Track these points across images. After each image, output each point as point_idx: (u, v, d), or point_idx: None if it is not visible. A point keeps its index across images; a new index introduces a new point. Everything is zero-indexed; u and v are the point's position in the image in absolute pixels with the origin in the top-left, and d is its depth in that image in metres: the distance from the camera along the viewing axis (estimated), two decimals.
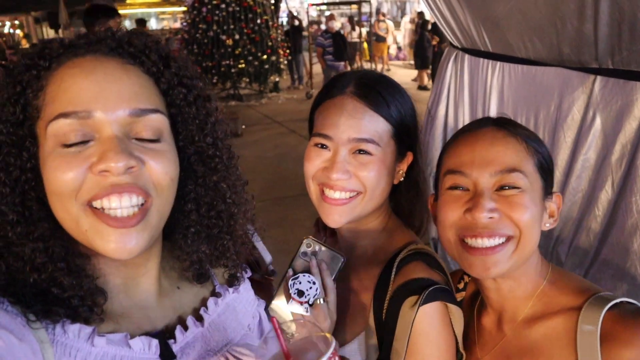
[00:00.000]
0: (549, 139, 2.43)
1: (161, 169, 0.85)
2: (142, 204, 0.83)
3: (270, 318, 1.02)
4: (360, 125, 1.20)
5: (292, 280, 1.20)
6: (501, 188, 1.08)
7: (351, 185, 1.22)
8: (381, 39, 17.27)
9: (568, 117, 2.31)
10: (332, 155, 1.22)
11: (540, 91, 2.45)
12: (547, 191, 1.14)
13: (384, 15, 19.49)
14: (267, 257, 1.39)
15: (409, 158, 1.32)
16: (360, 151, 1.21)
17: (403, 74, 15.70)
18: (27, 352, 0.75)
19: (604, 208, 2.16)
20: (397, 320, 1.14)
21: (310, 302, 1.18)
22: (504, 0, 2.37)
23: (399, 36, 20.61)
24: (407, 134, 1.27)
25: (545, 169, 1.13)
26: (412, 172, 1.33)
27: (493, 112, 2.78)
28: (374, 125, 1.21)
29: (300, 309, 1.17)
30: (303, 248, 1.27)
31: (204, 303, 1.03)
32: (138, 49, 0.89)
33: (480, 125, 1.17)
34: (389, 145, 1.24)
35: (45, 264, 0.81)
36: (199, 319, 1.00)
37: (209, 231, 1.00)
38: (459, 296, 1.35)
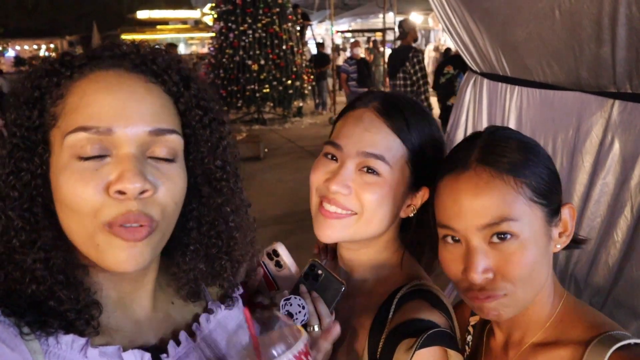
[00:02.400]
0: (567, 163, 2.41)
1: (170, 196, 0.86)
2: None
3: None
4: (373, 139, 1.14)
5: (284, 300, 1.17)
6: (496, 239, 1.01)
7: (348, 203, 1.15)
8: None
9: (586, 142, 2.29)
10: (338, 167, 1.17)
11: (559, 115, 2.43)
12: (553, 213, 1.06)
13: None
14: (296, 274, 1.34)
15: (424, 194, 1.22)
16: (368, 169, 1.14)
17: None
18: None
19: (623, 233, 2.12)
20: None
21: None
22: (522, 26, 2.38)
23: None
24: (425, 165, 1.19)
25: (545, 192, 1.03)
26: (425, 211, 1.21)
27: None
28: (387, 143, 1.15)
29: None
30: (306, 270, 1.24)
31: (196, 319, 1.03)
32: (161, 68, 0.90)
33: (462, 164, 1.05)
34: (402, 171, 1.17)
35: (45, 276, 0.81)
36: (191, 334, 0.99)
37: (208, 250, 1.00)
38: (473, 320, 1.32)
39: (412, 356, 1.03)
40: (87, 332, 0.83)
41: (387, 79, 11.59)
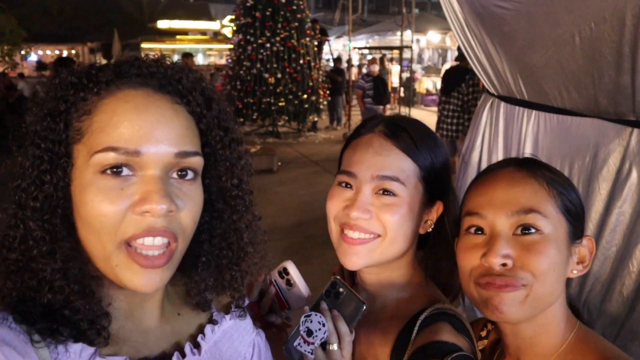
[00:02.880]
0: (583, 191, 2.39)
1: (191, 217, 0.88)
2: (167, 245, 0.85)
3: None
4: (385, 162, 1.16)
5: (304, 317, 1.17)
6: (520, 232, 1.03)
7: (371, 227, 1.17)
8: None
9: (603, 169, 2.27)
10: (354, 193, 1.18)
11: (576, 142, 2.42)
12: (576, 235, 1.08)
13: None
14: (306, 292, 1.35)
15: (439, 208, 1.25)
16: (385, 192, 1.16)
17: None
18: None
19: (639, 263, 2.09)
20: None
21: (316, 343, 1.13)
22: (541, 50, 2.38)
23: (438, 83, 20.70)
24: (437, 180, 1.22)
25: (573, 213, 1.07)
26: (442, 224, 1.25)
27: None
28: (400, 164, 1.17)
29: (307, 349, 1.14)
30: (327, 287, 1.23)
31: (200, 330, 1.04)
32: (186, 89, 0.91)
33: (501, 166, 1.14)
34: (417, 188, 1.19)
35: (63, 286, 0.82)
36: (196, 345, 1.00)
37: (219, 261, 1.01)
38: (481, 344, 1.31)
39: None
40: (97, 341, 0.84)
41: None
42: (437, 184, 1.23)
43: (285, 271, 1.35)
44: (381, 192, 1.17)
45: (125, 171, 0.82)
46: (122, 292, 0.91)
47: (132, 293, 0.90)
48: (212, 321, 1.07)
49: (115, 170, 0.81)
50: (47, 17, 32.31)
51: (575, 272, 1.10)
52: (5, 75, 20.14)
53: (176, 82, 0.90)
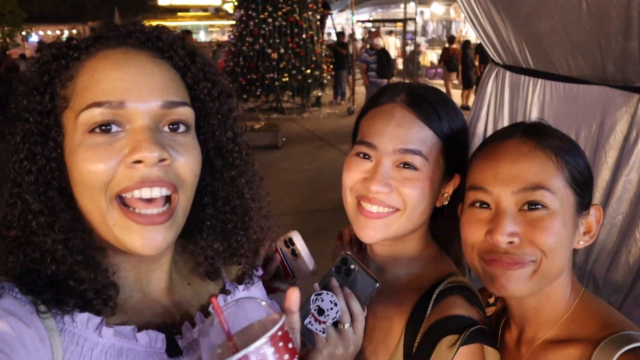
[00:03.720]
0: (590, 159, 2.35)
1: (188, 166, 0.87)
2: (168, 201, 0.84)
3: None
4: (408, 135, 1.12)
5: (315, 295, 1.13)
6: (527, 207, 1.01)
7: (391, 201, 1.14)
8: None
9: (610, 137, 2.25)
10: (374, 165, 1.15)
11: (582, 109, 2.39)
12: (583, 206, 1.06)
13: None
14: (311, 265, 1.34)
15: (456, 180, 1.22)
16: (406, 165, 1.13)
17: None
18: (35, 339, 0.76)
19: None
20: (431, 358, 1.07)
21: (328, 323, 1.10)
22: (547, 17, 2.34)
23: None
24: (456, 153, 1.19)
25: (580, 183, 1.04)
26: (457, 197, 1.22)
27: None
28: (422, 137, 1.13)
29: (318, 327, 1.10)
30: (337, 263, 1.18)
31: None
32: (166, 44, 0.91)
33: (508, 136, 1.09)
34: (437, 161, 1.16)
35: (65, 256, 0.82)
36: (207, 316, 0.99)
37: (224, 226, 1.00)
38: (489, 311, 1.30)
39: (455, 352, 1.04)
40: (103, 311, 0.84)
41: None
42: (456, 156, 1.20)
43: (290, 241, 1.35)
44: (402, 165, 1.14)
45: (114, 128, 0.81)
46: (128, 262, 0.91)
47: (138, 262, 0.90)
48: (224, 291, 1.06)
49: (103, 128, 0.81)
50: None
51: (582, 242, 1.08)
52: (8, 57, 20.07)
53: (155, 38, 0.91)
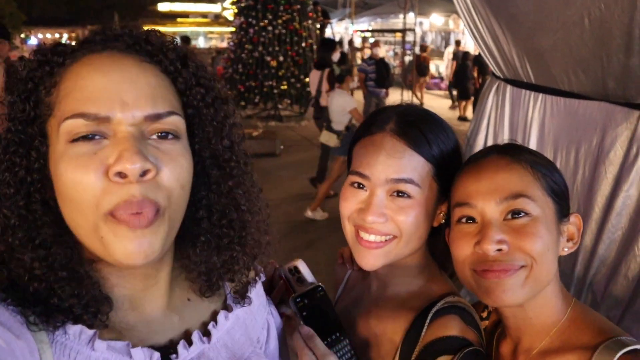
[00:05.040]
0: (589, 174, 2.38)
1: (174, 177, 0.81)
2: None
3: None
4: (399, 164, 1.14)
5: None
6: (511, 216, 1.05)
7: (386, 229, 1.16)
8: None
9: (610, 153, 2.26)
10: (368, 196, 1.17)
11: (583, 125, 2.41)
12: (563, 214, 1.10)
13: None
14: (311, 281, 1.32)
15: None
16: (399, 193, 1.15)
17: (442, 104, 15.69)
18: (25, 351, 0.73)
19: None
20: None
21: None
22: (549, 33, 2.36)
23: (441, 66, 20.62)
24: (449, 174, 1.20)
25: (558, 193, 1.09)
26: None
27: (533, 144, 2.74)
28: (413, 165, 1.15)
29: None
30: (299, 302, 1.16)
31: (214, 317, 0.99)
32: (156, 47, 0.86)
33: (484, 155, 1.14)
34: (431, 186, 1.18)
35: (46, 273, 0.78)
36: (207, 333, 0.95)
37: (219, 241, 0.95)
38: (482, 325, 1.32)
39: None
40: (95, 325, 0.80)
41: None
42: (450, 176, 1.21)
43: (296, 269, 1.34)
44: (395, 194, 1.16)
45: (97, 136, 0.77)
46: (120, 277, 0.86)
47: (132, 277, 0.86)
48: (226, 307, 1.02)
49: (86, 137, 0.77)
50: (46, 0, 32.09)
51: (566, 249, 1.12)
52: (7, 59, 20.03)
53: (144, 41, 0.86)
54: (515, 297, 1.05)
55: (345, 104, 7.06)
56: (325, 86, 7.85)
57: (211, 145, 0.92)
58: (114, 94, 0.78)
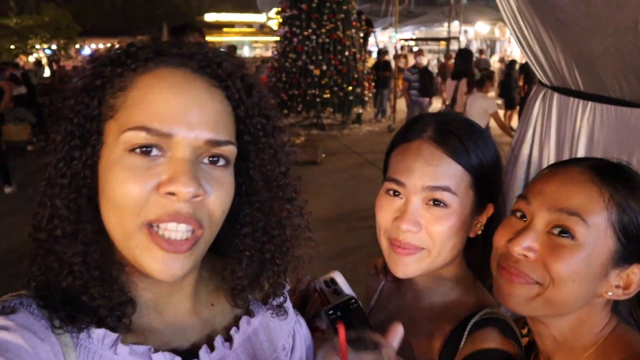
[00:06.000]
0: None
1: (219, 204, 0.84)
2: (192, 231, 0.81)
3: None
4: (435, 172, 1.12)
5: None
6: (557, 232, 0.99)
7: (418, 241, 1.15)
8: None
9: None
10: (403, 203, 1.15)
11: (635, 134, 2.30)
12: (625, 259, 1.00)
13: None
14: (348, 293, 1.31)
15: (489, 210, 1.22)
16: (435, 202, 1.13)
17: None
18: (50, 354, 0.74)
19: None
20: None
21: None
22: (600, 38, 2.27)
23: None
24: (488, 184, 1.18)
25: (630, 234, 0.98)
26: (491, 225, 1.20)
27: (581, 154, 2.64)
28: (451, 173, 1.13)
29: None
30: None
31: (236, 322, 1.00)
32: (225, 72, 0.88)
33: (575, 162, 1.07)
34: (467, 195, 1.15)
35: (82, 270, 0.80)
36: (229, 339, 0.96)
37: (262, 256, 0.98)
38: (523, 341, 1.27)
39: None
40: (118, 328, 0.82)
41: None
42: (488, 186, 1.19)
43: (332, 281, 1.32)
44: (431, 202, 1.14)
45: (154, 151, 0.79)
46: (147, 282, 0.88)
47: (159, 283, 0.87)
48: (248, 312, 1.03)
49: (144, 149, 0.79)
50: (99, 12, 33.33)
51: (610, 293, 1.02)
52: (62, 68, 20.91)
53: (216, 65, 0.87)
54: (518, 308, 1.03)
55: (487, 106, 7.28)
56: (462, 92, 7.89)
57: (266, 170, 0.95)
58: (181, 114, 0.80)
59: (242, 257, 0.97)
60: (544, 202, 1.01)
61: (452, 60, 14.74)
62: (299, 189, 1.02)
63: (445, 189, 1.12)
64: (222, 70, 0.87)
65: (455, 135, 1.16)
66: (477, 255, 1.26)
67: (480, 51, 17.83)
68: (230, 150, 0.86)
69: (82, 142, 0.81)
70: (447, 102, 8.62)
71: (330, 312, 1.13)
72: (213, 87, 0.86)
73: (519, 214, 1.07)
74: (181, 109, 0.80)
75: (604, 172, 1.01)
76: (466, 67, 10.04)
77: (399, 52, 17.56)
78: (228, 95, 0.88)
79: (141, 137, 0.78)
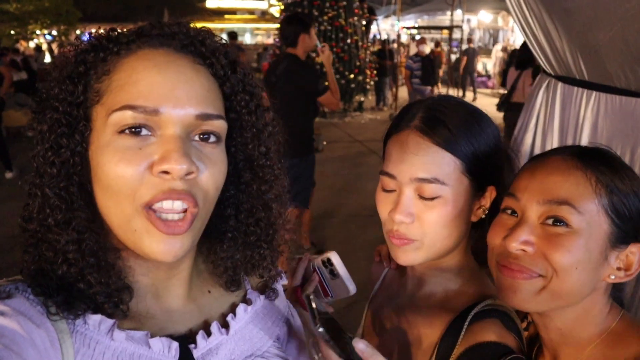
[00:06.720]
0: None
1: (213, 181, 0.84)
2: (188, 210, 0.81)
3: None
4: (423, 162, 1.10)
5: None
6: (551, 222, 0.98)
7: (410, 233, 1.14)
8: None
9: None
10: (397, 195, 1.15)
11: (639, 125, 2.29)
12: (621, 239, 1.00)
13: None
14: (350, 286, 1.32)
15: (492, 193, 1.19)
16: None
17: (490, 102, 15.37)
18: (45, 340, 0.74)
19: None
20: None
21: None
22: (606, 27, 2.25)
23: (489, 64, 20.20)
24: (484, 167, 1.16)
25: (623, 215, 0.98)
26: (495, 208, 1.17)
27: (584, 144, 2.63)
28: (438, 162, 1.10)
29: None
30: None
31: (233, 309, 1.00)
32: (209, 50, 0.88)
33: (558, 152, 1.07)
34: (461, 182, 1.13)
35: (77, 258, 0.80)
36: (225, 325, 0.96)
37: (246, 238, 0.98)
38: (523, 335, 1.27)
39: None
40: (115, 314, 0.82)
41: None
42: (485, 170, 1.16)
43: (329, 261, 1.33)
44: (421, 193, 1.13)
45: (144, 131, 0.78)
46: (144, 267, 0.88)
47: (155, 267, 0.88)
48: (245, 300, 1.04)
49: (133, 130, 0.78)
50: None
51: (613, 277, 1.01)
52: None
53: (199, 42, 0.87)
54: (525, 304, 1.02)
55: None
56: (526, 83, 7.69)
57: (248, 150, 0.95)
58: (167, 90, 0.79)
59: (224, 239, 0.97)
60: (532, 196, 1.01)
61: (442, 49, 14.54)
62: (282, 171, 1.01)
63: (433, 180, 1.10)
64: (205, 47, 0.87)
65: (441, 121, 1.13)
66: (481, 239, 1.22)
67: (504, 48, 17.59)
68: (221, 126, 0.85)
69: (69, 129, 0.80)
70: (507, 89, 8.22)
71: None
72: (198, 64, 0.86)
73: (509, 211, 1.06)
74: (167, 86, 0.79)
75: (586, 157, 1.01)
76: (532, 56, 9.75)
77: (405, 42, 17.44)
78: (213, 72, 0.88)
79: (128, 116, 0.77)
